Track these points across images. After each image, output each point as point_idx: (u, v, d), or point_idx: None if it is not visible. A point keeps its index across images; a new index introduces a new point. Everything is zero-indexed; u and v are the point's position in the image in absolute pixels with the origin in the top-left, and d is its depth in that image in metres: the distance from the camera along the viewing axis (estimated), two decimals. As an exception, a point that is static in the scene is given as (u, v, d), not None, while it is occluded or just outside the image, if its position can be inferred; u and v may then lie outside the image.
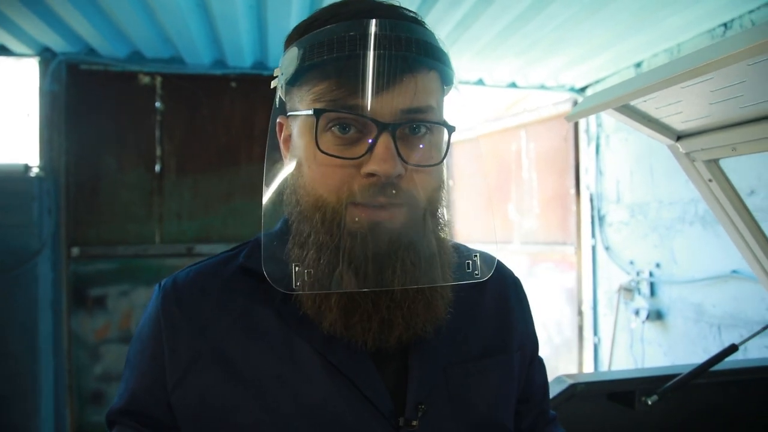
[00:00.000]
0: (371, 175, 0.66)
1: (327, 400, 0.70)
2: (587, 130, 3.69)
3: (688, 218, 2.88)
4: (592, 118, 3.58)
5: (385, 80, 0.66)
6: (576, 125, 3.77)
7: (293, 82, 0.71)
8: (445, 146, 0.73)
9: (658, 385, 1.42)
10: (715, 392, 1.52)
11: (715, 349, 2.75)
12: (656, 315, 3.05)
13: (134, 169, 3.21)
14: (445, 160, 0.74)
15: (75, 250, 3.11)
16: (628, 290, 3.21)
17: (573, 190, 3.82)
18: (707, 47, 1.12)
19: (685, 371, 1.45)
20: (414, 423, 0.71)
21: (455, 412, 0.76)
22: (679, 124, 1.38)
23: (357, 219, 0.67)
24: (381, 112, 0.66)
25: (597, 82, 3.54)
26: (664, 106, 1.32)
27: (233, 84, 3.31)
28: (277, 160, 0.78)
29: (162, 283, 0.80)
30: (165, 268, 3.19)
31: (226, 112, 3.32)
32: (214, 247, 3.19)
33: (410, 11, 0.74)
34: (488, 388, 0.80)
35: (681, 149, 1.43)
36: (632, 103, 1.35)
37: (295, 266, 0.68)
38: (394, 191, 0.67)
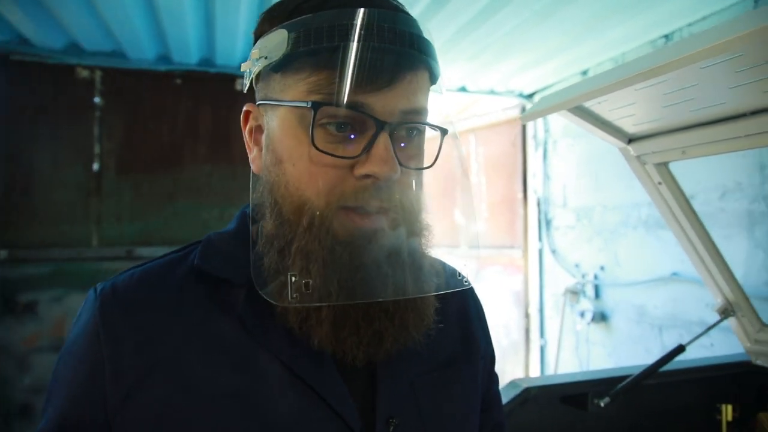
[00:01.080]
0: (366, 176, 0.61)
1: (294, 417, 0.64)
2: (535, 136, 3.76)
3: (631, 222, 2.96)
4: (540, 123, 3.65)
5: (390, 77, 0.62)
6: (524, 130, 3.83)
7: (279, 68, 0.65)
8: (436, 150, 0.69)
9: (610, 387, 1.44)
10: (663, 392, 1.55)
11: (656, 349, 2.84)
12: (601, 317, 3.13)
13: (70, 167, 3.04)
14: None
15: (3, 253, 2.92)
16: (574, 293, 3.27)
17: (521, 195, 3.87)
18: (661, 49, 1.14)
19: (635, 373, 1.47)
20: None
21: (426, 426, 0.72)
22: (631, 126, 1.40)
23: (349, 225, 0.62)
24: (381, 110, 0.62)
25: (545, 88, 3.61)
26: (617, 108, 1.33)
27: (178, 81, 3.20)
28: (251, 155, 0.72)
29: (98, 288, 0.70)
30: (102, 272, 3.03)
31: (170, 109, 3.19)
32: (156, 250, 3.06)
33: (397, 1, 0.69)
34: (456, 399, 0.77)
35: (632, 152, 1.45)
36: (586, 105, 1.36)
37: (291, 276, 0.62)
38: (388, 195, 0.63)
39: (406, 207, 0.66)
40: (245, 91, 0.76)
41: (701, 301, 2.57)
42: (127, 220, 3.10)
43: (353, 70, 0.61)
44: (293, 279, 0.62)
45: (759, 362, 1.59)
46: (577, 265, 3.36)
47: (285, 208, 0.64)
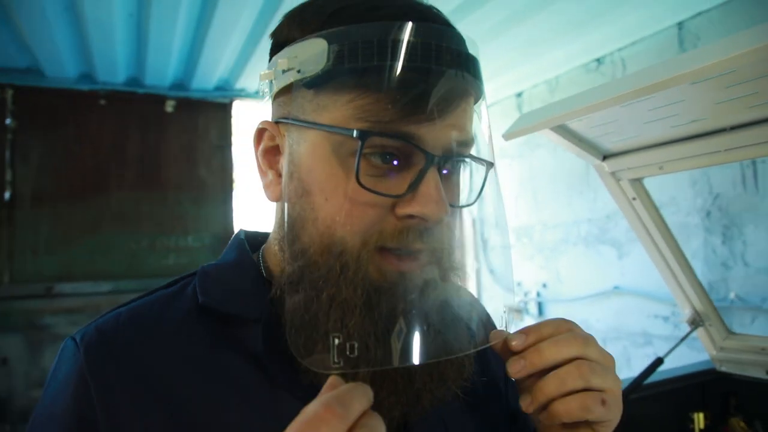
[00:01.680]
0: (411, 216, 0.54)
1: None
2: (470, 157, 3.82)
3: (571, 239, 3.05)
4: (475, 145, 3.71)
5: (444, 106, 0.54)
6: (458, 152, 3.88)
7: (314, 84, 0.56)
8: (480, 183, 0.62)
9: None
10: (640, 404, 1.57)
11: (601, 362, 2.92)
12: (545, 333, 3.18)
13: (-24, 196, 2.73)
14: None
15: None
16: (518, 311, 3.32)
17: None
18: (654, 66, 1.16)
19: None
20: None
21: None
22: (608, 144, 1.43)
23: (386, 267, 0.55)
24: (432, 142, 0.54)
25: (478, 110, 3.69)
26: (598, 125, 1.35)
27: (102, 101, 2.97)
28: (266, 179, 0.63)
29: (77, 336, 0.58)
30: (16, 312, 2.72)
31: (94, 132, 2.96)
32: (80, 286, 2.79)
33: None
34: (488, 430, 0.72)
35: (607, 168, 1.47)
36: (568, 122, 1.37)
37: (333, 337, 0.54)
38: (431, 237, 0.55)
39: (450, 250, 0.59)
40: (263, 102, 0.67)
41: (642, 313, 2.68)
42: (44, 253, 2.82)
43: (408, 96, 0.53)
44: (335, 341, 0.54)
45: (723, 369, 1.65)
46: (519, 284, 3.42)
47: (312, 248, 0.56)
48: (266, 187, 0.63)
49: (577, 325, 0.61)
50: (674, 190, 2.51)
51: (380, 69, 0.53)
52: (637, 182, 1.46)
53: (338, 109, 0.55)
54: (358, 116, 0.53)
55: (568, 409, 0.56)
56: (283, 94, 0.60)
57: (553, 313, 3.18)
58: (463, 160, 0.59)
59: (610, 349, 2.84)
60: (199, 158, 3.23)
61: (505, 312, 0.66)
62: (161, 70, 2.86)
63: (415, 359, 0.56)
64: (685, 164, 1.33)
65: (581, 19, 2.42)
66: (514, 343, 0.58)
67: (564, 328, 0.59)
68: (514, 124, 1.38)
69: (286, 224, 0.58)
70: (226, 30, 2.42)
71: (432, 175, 0.54)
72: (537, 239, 3.28)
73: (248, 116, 3.30)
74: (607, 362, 0.59)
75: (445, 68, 0.54)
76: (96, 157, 2.95)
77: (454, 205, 0.59)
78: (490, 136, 0.65)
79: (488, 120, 0.65)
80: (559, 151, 3.10)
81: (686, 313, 1.59)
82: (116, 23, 2.34)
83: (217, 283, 0.63)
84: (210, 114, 3.25)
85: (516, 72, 3.06)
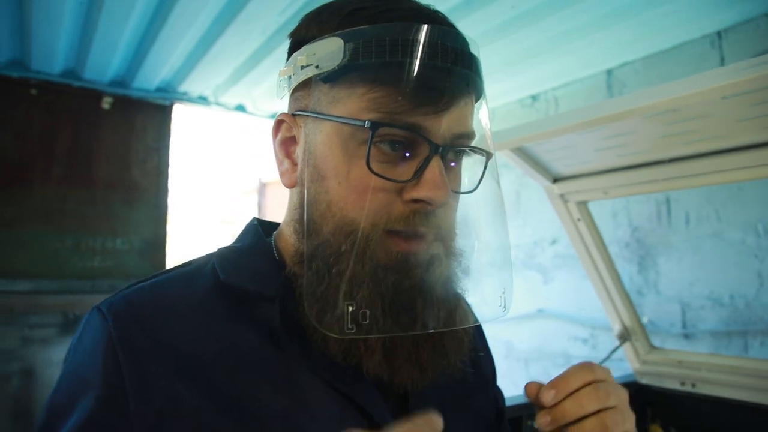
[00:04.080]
0: (416, 201, 0.60)
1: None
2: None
3: (499, 263, 3.20)
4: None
5: (449, 100, 0.61)
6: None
7: (330, 79, 0.62)
8: (480, 172, 0.70)
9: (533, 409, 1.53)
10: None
11: (522, 382, 3.05)
12: (471, 352, 3.30)
13: None
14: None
15: None
16: (445, 330, 3.42)
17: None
18: (609, 101, 1.30)
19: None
20: None
21: None
22: (560, 167, 1.56)
23: (393, 249, 0.61)
24: (437, 133, 0.60)
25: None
26: (553, 149, 1.47)
27: (33, 91, 2.82)
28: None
29: (102, 306, 0.60)
30: None
31: (21, 122, 2.79)
32: (-6, 284, 2.60)
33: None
34: (478, 416, 0.78)
35: (556, 190, 1.60)
36: (527, 145, 1.48)
37: (347, 305, 0.59)
38: (435, 220, 0.62)
39: (451, 232, 0.66)
40: (280, 98, 0.71)
41: (564, 335, 2.85)
42: (-46, 249, 2.61)
43: (416, 90, 0.59)
44: (349, 309, 0.59)
45: (644, 381, 1.80)
46: (446, 303, 3.53)
47: (325, 228, 0.61)
48: (282, 174, 0.68)
49: (603, 370, 0.64)
50: (598, 220, 2.71)
51: (392, 65, 0.59)
52: (582, 205, 1.59)
53: (352, 101, 0.60)
54: (370, 108, 0.59)
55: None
56: (300, 88, 0.66)
57: (478, 333, 3.30)
58: (465, 151, 0.66)
59: (532, 369, 2.98)
60: (133, 159, 3.13)
61: (503, 293, 0.72)
62: (102, 65, 2.76)
63: (421, 328, 0.62)
64: (627, 190, 1.47)
65: (518, 58, 2.60)
66: (545, 400, 0.62)
67: (588, 379, 0.62)
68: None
69: (303, 207, 0.63)
70: (179, 30, 2.39)
71: (436, 163, 0.60)
72: (467, 262, 3.41)
73: (188, 121, 3.24)
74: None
75: (451, 66, 0.61)
76: (21, 148, 2.79)
77: (456, 191, 0.65)
78: (490, 130, 0.72)
79: (488, 115, 0.73)
80: (492, 179, 3.27)
81: (616, 328, 1.74)
82: (64, 9, 2.25)
83: (236, 263, 0.67)
84: (148, 115, 3.16)
85: (456, 101, 3.21)
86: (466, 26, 2.35)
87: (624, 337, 1.72)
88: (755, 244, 2.23)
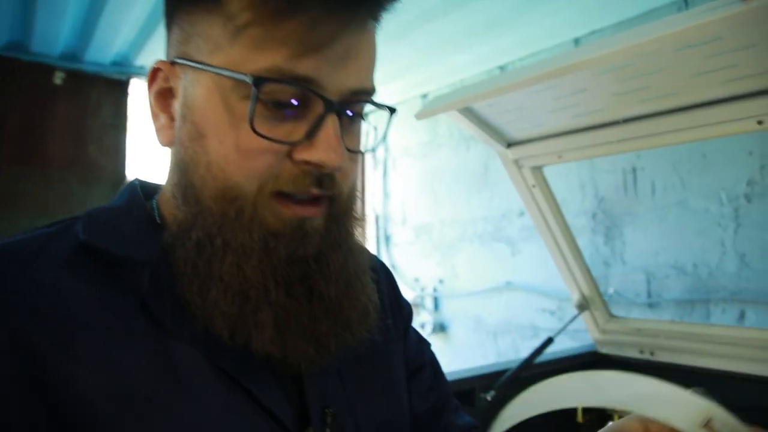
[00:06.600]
0: (308, 163, 0.54)
1: (218, 415, 0.54)
2: (374, 155, 3.87)
3: (467, 236, 3.17)
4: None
5: (345, 50, 0.54)
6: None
7: (206, 13, 0.54)
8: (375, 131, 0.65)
9: (493, 381, 1.49)
10: (530, 381, 1.65)
11: (491, 354, 3.05)
12: (440, 327, 3.28)
13: None
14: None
15: None
16: (415, 305, 3.39)
17: (359, 212, 3.94)
18: (563, 53, 1.24)
19: (513, 367, 1.55)
20: (327, 431, 0.60)
21: (356, 414, 0.66)
22: (513, 131, 1.50)
23: (283, 213, 0.55)
24: (331, 88, 0.53)
25: (384, 109, 3.74)
26: (504, 111, 1.42)
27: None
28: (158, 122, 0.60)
29: None
30: None
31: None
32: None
33: None
34: (387, 384, 0.72)
35: (510, 155, 1.55)
36: (476, 108, 1.43)
37: (233, 278, 0.53)
38: (329, 182, 0.56)
39: (350, 194, 0.61)
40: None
41: (531, 308, 2.83)
42: None
43: (306, 38, 0.51)
44: (236, 282, 0.54)
45: (604, 351, 1.78)
46: (416, 279, 3.50)
47: (205, 193, 0.55)
48: (158, 131, 0.60)
49: None
50: (565, 192, 2.69)
51: (276, 8, 0.51)
52: (537, 170, 1.55)
53: (235, 50, 0.53)
54: (254, 58, 0.52)
55: None
56: (174, 22, 0.58)
57: (448, 308, 3.29)
58: (363, 109, 0.59)
59: (500, 342, 2.97)
60: (89, 137, 3.02)
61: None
62: (51, 36, 2.64)
63: (317, 300, 0.57)
64: (581, 153, 1.43)
65: (485, 26, 2.54)
66: None
67: None
68: (425, 105, 1.42)
69: (181, 169, 0.57)
70: (128, -1, 2.29)
71: (331, 122, 0.53)
72: (435, 237, 3.38)
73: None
74: None
75: (346, 10, 0.53)
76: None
77: (354, 151, 0.59)
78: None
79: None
80: (461, 152, 3.22)
81: (575, 297, 1.71)
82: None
83: (104, 225, 0.59)
84: (104, 90, 3.05)
85: (422, 73, 3.15)
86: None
87: (583, 306, 1.69)
88: (718, 212, 2.21)
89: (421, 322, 3.36)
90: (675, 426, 0.54)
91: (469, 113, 1.44)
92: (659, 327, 1.62)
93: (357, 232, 0.63)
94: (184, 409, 0.53)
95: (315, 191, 0.55)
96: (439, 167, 3.35)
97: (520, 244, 2.90)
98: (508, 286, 2.93)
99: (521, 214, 2.87)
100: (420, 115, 1.39)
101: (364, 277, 0.63)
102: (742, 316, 2.15)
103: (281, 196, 0.54)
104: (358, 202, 0.64)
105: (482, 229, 3.08)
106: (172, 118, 0.59)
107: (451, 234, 3.27)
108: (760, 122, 1.18)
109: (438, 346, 3.29)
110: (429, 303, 3.35)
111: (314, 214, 0.56)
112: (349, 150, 0.57)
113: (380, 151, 3.84)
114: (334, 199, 0.58)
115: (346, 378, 0.66)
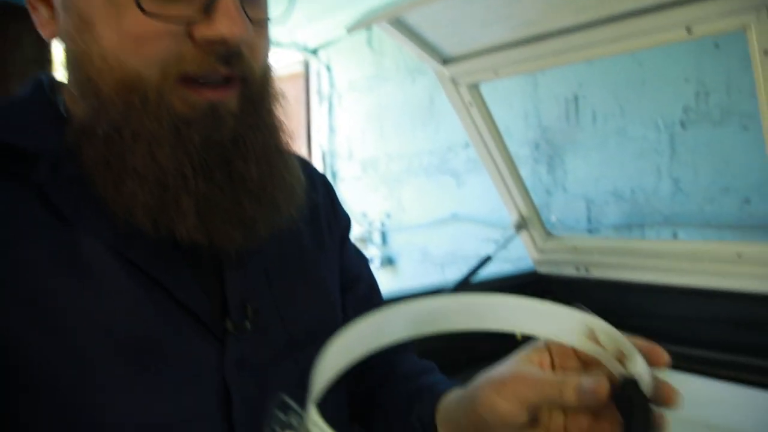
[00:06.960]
0: (209, 41, 0.50)
1: (130, 313, 0.53)
2: (319, 90, 3.77)
3: (413, 170, 3.16)
4: (325, 77, 3.68)
5: None
6: (307, 85, 3.82)
7: None
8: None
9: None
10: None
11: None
12: (388, 261, 3.30)
13: None
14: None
15: None
16: (363, 240, 3.39)
17: (305, 149, 3.87)
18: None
19: (448, 286, 1.57)
20: (246, 325, 0.58)
21: (281, 312, 0.64)
22: (448, 47, 1.47)
23: (192, 98, 0.52)
24: None
25: (329, 43, 3.63)
26: (439, 25, 1.38)
27: None
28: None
29: None
30: None
31: None
32: None
33: None
34: (318, 290, 0.71)
35: (446, 73, 1.52)
36: (409, 21, 1.38)
37: (148, 170, 0.50)
38: (237, 60, 0.53)
39: (259, 75, 0.57)
40: None
41: (477, 238, 2.87)
42: None
43: None
44: (140, 171, 0.51)
45: (543, 270, 1.82)
46: (364, 215, 3.49)
47: (104, 85, 0.51)
48: (41, 25, 0.56)
49: None
50: (509, 121, 2.69)
51: None
52: (474, 88, 1.52)
53: None
54: None
55: None
56: None
57: (396, 241, 3.30)
58: None
59: (447, 273, 3.01)
60: (10, 73, 2.81)
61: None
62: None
63: (239, 184, 0.55)
64: (517, 68, 1.41)
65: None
66: None
67: None
68: (357, 19, 1.36)
69: (71, 63, 0.54)
70: None
71: None
72: (382, 171, 3.36)
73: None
74: None
75: None
76: None
77: (259, 22, 0.55)
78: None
79: None
80: (407, 85, 3.17)
81: (513, 218, 1.73)
82: None
83: (1, 114, 0.56)
84: (24, 22, 2.83)
85: (369, 2, 3.04)
86: None
87: (521, 225, 1.71)
88: (655, 139, 2.25)
89: (370, 256, 3.38)
90: (563, 341, 0.54)
91: (402, 27, 1.40)
92: (595, 244, 1.66)
93: (277, 111, 0.61)
94: (92, 304, 0.50)
95: (223, 70, 0.52)
96: (385, 101, 3.30)
97: (465, 176, 2.91)
98: (454, 217, 2.95)
99: (466, 146, 2.86)
100: (351, 28, 1.35)
101: (288, 156, 0.61)
102: (674, 237, 2.23)
103: (189, 80, 0.51)
104: (275, 82, 0.61)
105: (428, 162, 3.07)
106: (51, 7, 0.54)
107: (398, 168, 3.26)
108: (688, 29, 1.17)
109: (387, 280, 3.32)
110: (377, 237, 3.36)
111: (226, 97, 0.54)
112: (253, 22, 0.53)
113: (325, 87, 3.74)
114: (246, 80, 0.55)
115: (273, 277, 0.64)
